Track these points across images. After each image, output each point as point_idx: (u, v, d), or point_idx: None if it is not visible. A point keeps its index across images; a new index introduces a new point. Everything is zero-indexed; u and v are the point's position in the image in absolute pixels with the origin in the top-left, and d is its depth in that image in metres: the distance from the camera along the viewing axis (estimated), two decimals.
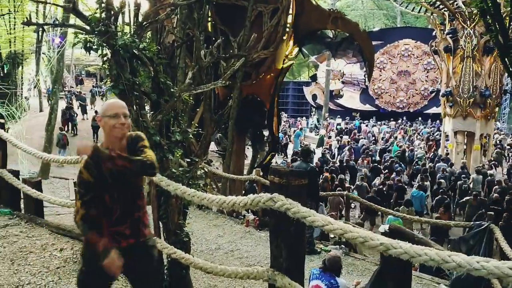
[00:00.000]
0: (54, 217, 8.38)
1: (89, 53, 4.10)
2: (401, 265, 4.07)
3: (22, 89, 26.51)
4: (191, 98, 4.62)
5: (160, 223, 4.44)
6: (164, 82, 4.31)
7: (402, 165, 18.90)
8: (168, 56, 4.66)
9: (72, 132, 23.30)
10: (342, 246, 8.26)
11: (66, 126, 22.97)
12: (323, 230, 2.71)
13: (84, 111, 25.61)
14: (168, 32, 7.53)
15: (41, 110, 26.37)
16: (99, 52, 3.99)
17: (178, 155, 4.54)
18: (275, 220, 2.95)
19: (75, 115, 23.76)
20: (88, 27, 3.95)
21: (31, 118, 23.97)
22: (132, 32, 4.31)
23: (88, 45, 3.92)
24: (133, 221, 2.72)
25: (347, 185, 14.69)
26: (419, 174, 16.30)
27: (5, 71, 25.22)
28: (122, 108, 2.70)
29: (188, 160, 4.50)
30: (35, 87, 29.04)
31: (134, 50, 4.04)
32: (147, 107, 4.46)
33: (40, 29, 20.35)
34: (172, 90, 4.36)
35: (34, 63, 26.87)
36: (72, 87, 33.10)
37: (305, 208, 2.68)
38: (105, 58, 4.08)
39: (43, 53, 25.86)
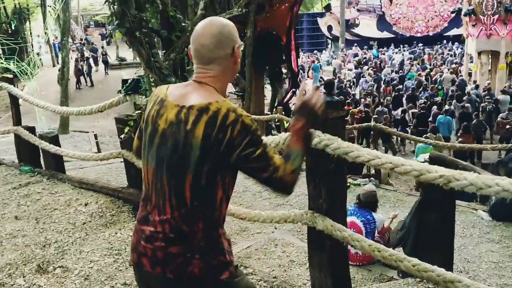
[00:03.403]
0: (77, 171, 8.29)
1: None
2: (444, 195, 3.80)
3: (32, 45, 26.17)
4: None
5: None
6: (174, 16, 3.92)
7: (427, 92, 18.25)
8: None
9: (87, 84, 23.13)
10: (372, 178, 8.03)
11: (78, 78, 22.79)
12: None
13: (95, 63, 25.29)
14: None
15: (54, 65, 26.09)
16: None
17: None
18: (311, 159, 2.65)
19: (90, 67, 23.58)
20: None
21: (45, 74, 23.78)
22: None
23: None
24: None
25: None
26: (447, 99, 15.71)
27: (13, 28, 24.81)
28: None
29: None
30: (46, 42, 28.66)
31: None
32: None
33: None
34: (183, 24, 3.98)
35: (41, 17, 26.32)
36: (82, 39, 32.55)
37: (346, 143, 2.37)
38: None
39: (49, 6, 25.20)
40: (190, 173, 1.57)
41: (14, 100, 6.04)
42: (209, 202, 1.62)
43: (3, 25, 24.76)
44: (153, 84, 3.93)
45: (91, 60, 24.47)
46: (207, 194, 1.61)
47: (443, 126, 13.28)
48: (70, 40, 25.89)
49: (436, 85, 18.61)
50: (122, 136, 4.10)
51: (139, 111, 4.09)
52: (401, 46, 32.10)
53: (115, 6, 3.59)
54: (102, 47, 25.21)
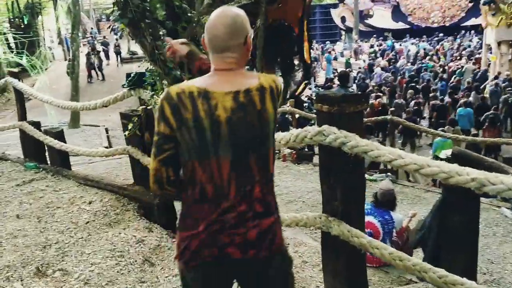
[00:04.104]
0: (86, 166, 8.15)
1: None
2: (468, 194, 3.55)
3: (44, 39, 26.19)
4: None
5: None
6: (180, 6, 3.70)
7: (443, 83, 17.83)
8: None
9: (98, 78, 23.09)
10: (389, 174, 7.76)
11: (90, 72, 22.75)
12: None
13: (107, 56, 25.26)
14: None
15: (66, 59, 26.09)
16: None
17: None
18: (326, 157, 2.42)
19: (101, 61, 23.63)
20: None
21: (56, 68, 23.80)
22: None
23: None
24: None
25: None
26: (463, 91, 15.30)
27: (25, 22, 24.83)
28: None
29: None
30: (58, 36, 28.72)
31: None
32: None
33: None
34: (189, 14, 3.75)
35: (53, 11, 26.32)
36: (93, 34, 32.47)
37: (365, 141, 2.13)
38: None
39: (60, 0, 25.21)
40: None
41: (19, 94, 5.90)
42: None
43: (16, 19, 24.79)
44: (157, 78, 3.73)
45: (102, 54, 24.42)
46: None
47: (463, 119, 12.91)
48: (81, 34, 25.98)
49: (455, 76, 18.18)
50: (127, 132, 3.90)
51: (144, 106, 3.90)
52: (416, 37, 31.38)
53: None
54: (116, 39, 25.37)
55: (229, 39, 1.64)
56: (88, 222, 4.03)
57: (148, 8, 3.55)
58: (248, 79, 1.68)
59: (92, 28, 33.84)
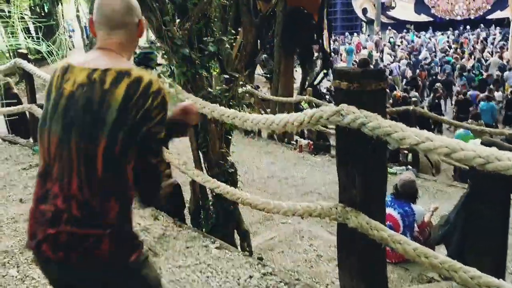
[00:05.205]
0: None
1: None
2: (497, 186, 3.29)
3: (64, 27, 26.22)
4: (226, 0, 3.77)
5: (199, 153, 3.80)
6: None
7: (463, 77, 17.31)
8: None
9: None
10: (409, 167, 7.47)
11: None
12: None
13: None
14: None
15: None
16: None
17: (215, 72, 3.81)
18: (343, 141, 2.17)
19: None
20: None
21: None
22: None
23: None
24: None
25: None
26: (488, 85, 14.78)
27: (46, 10, 24.91)
28: None
29: (227, 76, 3.73)
30: (69, 24, 28.79)
31: None
32: None
33: None
34: None
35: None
36: None
37: (388, 121, 1.88)
38: None
39: None
40: (105, 138, 1.42)
41: (28, 77, 5.77)
42: (122, 176, 1.47)
43: (36, 7, 24.87)
44: (165, 56, 3.52)
45: None
46: (119, 167, 1.46)
47: (486, 113, 12.43)
48: None
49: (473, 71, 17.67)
50: None
51: None
52: (440, 30, 30.59)
53: None
54: None
55: (126, 14, 1.58)
56: None
57: None
58: (119, 63, 1.53)
59: None
